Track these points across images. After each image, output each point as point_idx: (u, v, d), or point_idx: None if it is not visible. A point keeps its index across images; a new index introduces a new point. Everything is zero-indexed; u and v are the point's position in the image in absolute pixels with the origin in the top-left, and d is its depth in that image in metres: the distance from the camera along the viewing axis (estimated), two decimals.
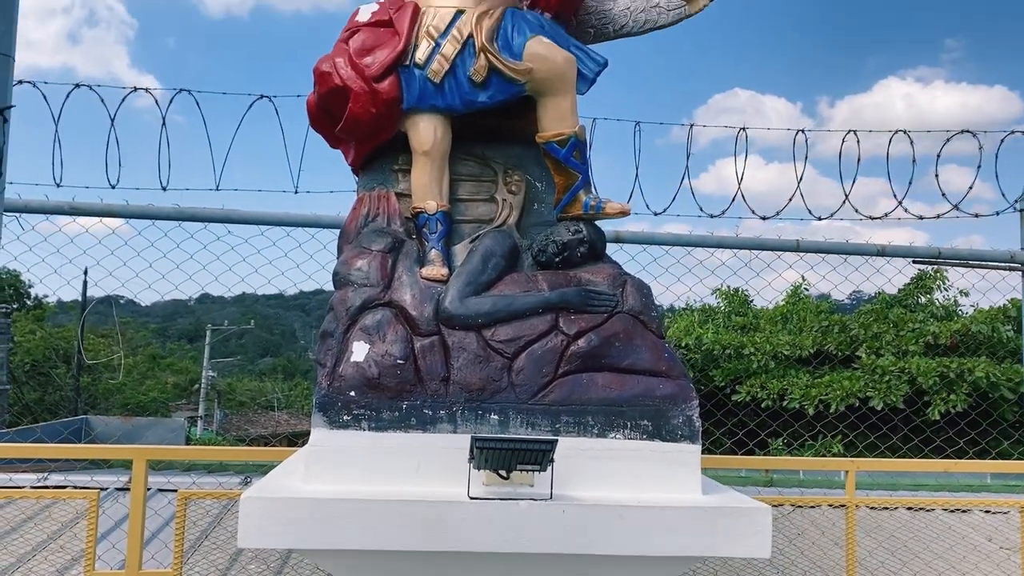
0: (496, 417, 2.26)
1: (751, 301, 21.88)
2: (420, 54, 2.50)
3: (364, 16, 2.58)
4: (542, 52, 2.48)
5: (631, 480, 2.25)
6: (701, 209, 4.65)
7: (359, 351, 2.29)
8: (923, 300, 21.13)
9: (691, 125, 4.48)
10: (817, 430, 16.13)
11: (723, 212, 4.47)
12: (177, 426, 11.16)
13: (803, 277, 14.39)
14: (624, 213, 2.63)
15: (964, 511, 5.04)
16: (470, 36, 2.49)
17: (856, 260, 5.02)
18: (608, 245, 2.78)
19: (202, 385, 31.21)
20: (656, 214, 4.67)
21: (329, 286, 2.59)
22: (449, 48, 2.49)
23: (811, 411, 15.94)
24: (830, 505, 4.32)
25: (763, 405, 17.15)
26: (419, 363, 2.29)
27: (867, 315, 18.47)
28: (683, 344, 18.56)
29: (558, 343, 2.35)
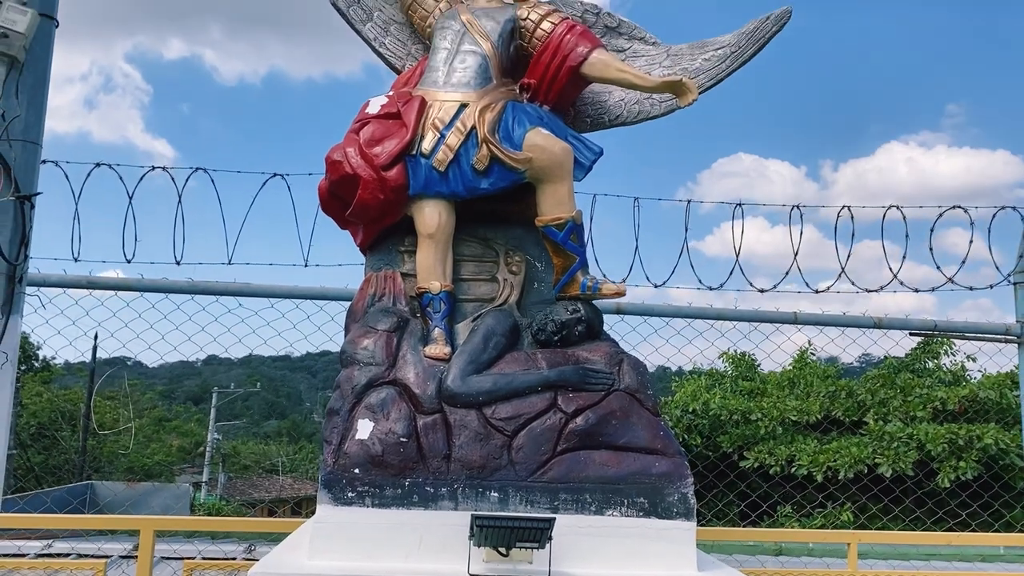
0: (496, 495, 2.33)
1: (758, 365, 21.85)
2: (426, 144, 2.64)
3: (374, 108, 2.74)
4: (541, 143, 2.62)
5: (628, 557, 2.30)
6: (700, 281, 4.75)
7: (364, 429, 2.37)
8: (930, 365, 21.04)
9: (688, 201, 4.62)
10: (826, 496, 15.94)
11: (721, 285, 4.57)
12: (182, 492, 11.12)
13: (809, 342, 14.40)
14: (620, 294, 2.74)
15: None
16: (473, 128, 2.64)
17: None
18: (611, 316, 2.87)
19: (207, 449, 31.01)
20: (656, 286, 4.79)
21: (334, 348, 2.68)
22: (453, 139, 2.64)
23: (819, 477, 15.77)
24: None
25: (771, 471, 16.99)
26: (422, 441, 2.37)
27: (874, 380, 18.40)
28: (691, 409, 18.48)
29: (557, 421, 2.43)
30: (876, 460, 16.05)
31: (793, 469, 16.62)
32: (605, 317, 2.88)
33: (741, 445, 17.80)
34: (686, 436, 17.47)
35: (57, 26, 3.02)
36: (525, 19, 2.84)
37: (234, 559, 4.15)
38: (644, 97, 2.91)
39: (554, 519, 2.18)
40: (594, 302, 2.73)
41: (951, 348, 18.99)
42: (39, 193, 2.80)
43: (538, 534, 2.17)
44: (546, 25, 2.81)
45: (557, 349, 2.61)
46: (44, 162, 3.81)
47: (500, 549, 2.21)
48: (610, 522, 2.33)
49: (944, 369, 20.24)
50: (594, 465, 2.38)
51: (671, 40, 2.98)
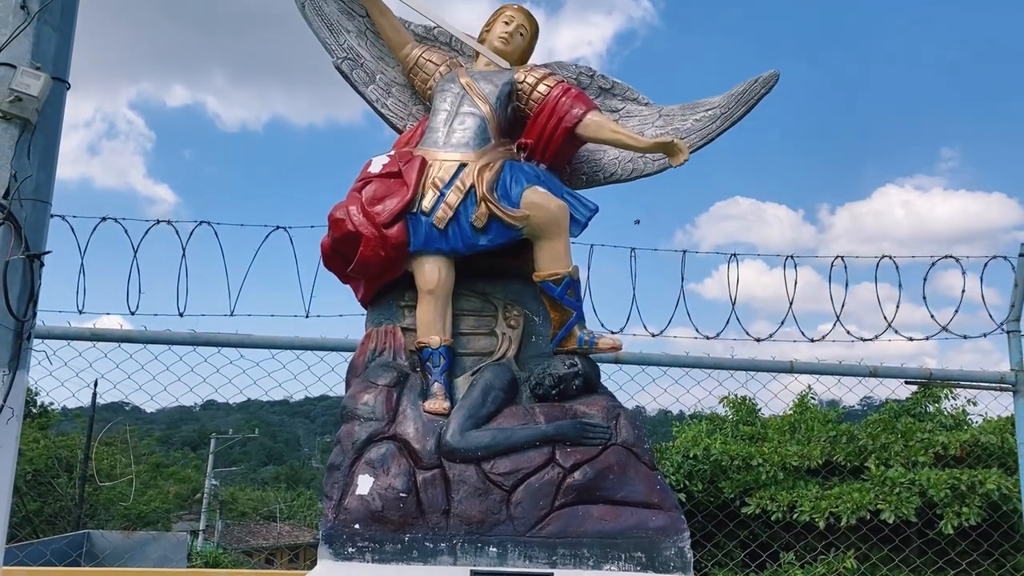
0: (495, 549, 2.35)
1: (759, 410, 21.80)
2: (426, 203, 2.72)
3: (376, 167, 2.82)
4: (538, 201, 2.70)
5: None
6: (697, 330, 4.80)
7: (364, 484, 2.40)
8: (931, 409, 20.99)
9: (684, 251, 4.69)
10: (828, 543, 15.77)
11: (718, 334, 4.62)
12: (180, 542, 11.00)
13: (809, 387, 14.40)
14: (616, 349, 2.79)
15: None
16: (472, 186, 2.72)
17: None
18: (609, 365, 2.91)
19: (205, 496, 30.72)
20: (654, 335, 4.84)
21: (333, 393, 2.71)
22: (453, 197, 2.72)
23: (822, 524, 15.59)
24: None
25: (773, 517, 16.84)
26: (421, 496, 2.40)
27: (875, 425, 18.30)
28: (692, 455, 18.39)
29: (555, 475, 2.46)
30: (879, 506, 15.88)
31: (795, 515, 16.45)
32: (603, 367, 2.93)
33: (743, 491, 17.64)
34: (687, 482, 17.32)
35: (68, 88, 3.12)
36: (522, 82, 2.94)
37: None
38: (638, 156, 2.99)
39: (552, 574, 2.20)
40: (591, 356, 2.78)
41: (951, 392, 18.97)
42: (48, 252, 2.87)
43: None
44: (542, 88, 2.91)
45: (555, 403, 2.65)
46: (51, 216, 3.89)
47: None
48: None
49: (945, 413, 20.19)
50: (592, 519, 2.40)
51: (663, 101, 3.08)
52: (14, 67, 2.89)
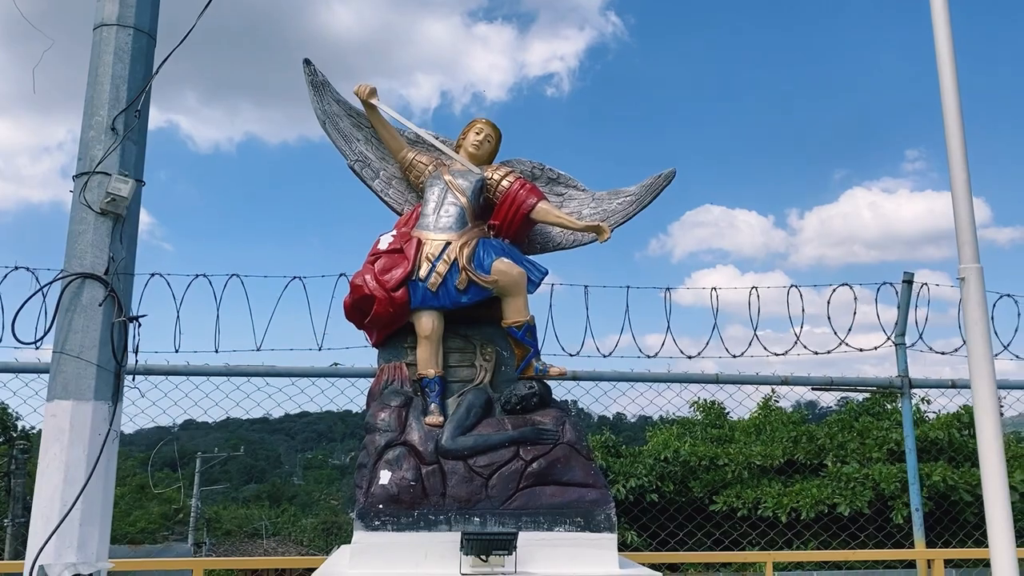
0: (478, 519, 3.36)
1: (727, 413, 22.93)
2: (422, 272, 3.73)
3: (383, 245, 3.83)
4: (503, 269, 3.72)
5: (570, 559, 3.33)
6: (640, 350, 5.85)
7: (384, 477, 3.40)
8: (889, 407, 22.23)
9: (627, 287, 5.74)
10: (790, 537, 16.86)
11: (656, 354, 5.68)
12: (185, 551, 11.82)
13: (772, 390, 15.52)
14: (563, 375, 3.83)
15: None
16: (455, 259, 3.73)
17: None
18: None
19: (193, 514, 31.21)
20: (605, 356, 5.88)
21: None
22: (442, 267, 3.73)
23: (784, 519, 16.72)
24: None
25: (739, 514, 17.91)
26: (425, 484, 3.40)
27: (833, 425, 19.53)
28: (663, 457, 19.45)
29: (519, 466, 3.47)
30: (835, 500, 17.05)
31: (759, 511, 17.55)
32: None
33: (711, 490, 18.68)
34: (659, 483, 18.36)
35: (143, 185, 4.10)
36: (490, 179, 3.98)
37: None
38: (576, 233, 4.04)
39: (518, 533, 3.21)
40: (545, 380, 3.80)
41: (907, 391, 20.17)
42: (145, 315, 3.83)
43: (507, 544, 3.20)
44: (505, 183, 3.94)
45: (519, 415, 3.66)
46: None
47: (481, 556, 3.23)
48: (557, 535, 3.36)
49: (900, 412, 21.42)
50: (545, 496, 3.42)
51: (595, 187, 4.13)
52: (108, 175, 3.86)
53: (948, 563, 5.72)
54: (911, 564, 6.15)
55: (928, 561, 5.67)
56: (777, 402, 21.13)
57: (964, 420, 18.77)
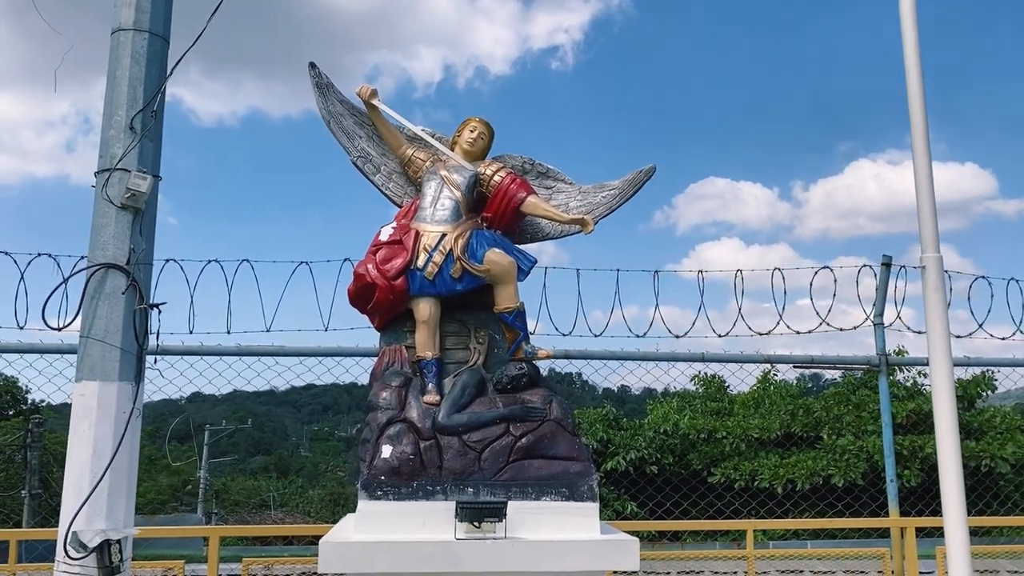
0: (471, 489, 3.67)
1: (727, 387, 23.32)
2: (420, 262, 4.01)
3: (384, 236, 4.11)
4: (495, 258, 4.00)
5: (556, 526, 3.65)
6: (630, 329, 6.15)
7: (386, 451, 3.71)
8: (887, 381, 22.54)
9: (617, 270, 6.04)
10: (786, 508, 17.30)
11: (644, 333, 5.99)
12: (197, 520, 12.26)
13: (772, 365, 15.90)
14: (550, 356, 4.13)
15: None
16: (451, 250, 4.02)
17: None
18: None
19: (201, 485, 31.84)
20: (596, 335, 6.19)
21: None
22: (438, 257, 4.02)
23: (780, 490, 17.17)
24: (735, 558, 5.67)
25: (736, 485, 18.37)
26: (423, 457, 3.72)
27: (829, 398, 19.93)
28: (662, 430, 19.88)
29: (509, 441, 3.78)
30: (830, 472, 17.48)
31: (756, 483, 17.99)
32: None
33: (709, 462, 19.12)
34: (659, 456, 18.82)
35: (160, 180, 4.38)
36: (483, 174, 4.25)
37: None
38: (563, 225, 4.31)
39: (507, 503, 3.53)
40: (534, 361, 4.10)
41: (883, 369, 20.50)
42: (164, 303, 4.13)
43: (498, 513, 3.52)
44: (497, 178, 4.21)
45: (510, 394, 3.96)
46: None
47: (474, 523, 3.55)
48: (544, 504, 3.68)
49: (899, 385, 21.82)
50: (533, 469, 3.73)
51: (581, 180, 4.40)
52: (128, 171, 4.14)
53: (920, 531, 6.06)
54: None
55: (901, 529, 6.00)
56: (777, 376, 21.51)
57: (957, 394, 19.11)
